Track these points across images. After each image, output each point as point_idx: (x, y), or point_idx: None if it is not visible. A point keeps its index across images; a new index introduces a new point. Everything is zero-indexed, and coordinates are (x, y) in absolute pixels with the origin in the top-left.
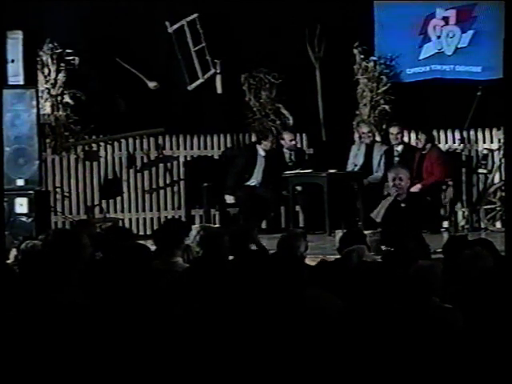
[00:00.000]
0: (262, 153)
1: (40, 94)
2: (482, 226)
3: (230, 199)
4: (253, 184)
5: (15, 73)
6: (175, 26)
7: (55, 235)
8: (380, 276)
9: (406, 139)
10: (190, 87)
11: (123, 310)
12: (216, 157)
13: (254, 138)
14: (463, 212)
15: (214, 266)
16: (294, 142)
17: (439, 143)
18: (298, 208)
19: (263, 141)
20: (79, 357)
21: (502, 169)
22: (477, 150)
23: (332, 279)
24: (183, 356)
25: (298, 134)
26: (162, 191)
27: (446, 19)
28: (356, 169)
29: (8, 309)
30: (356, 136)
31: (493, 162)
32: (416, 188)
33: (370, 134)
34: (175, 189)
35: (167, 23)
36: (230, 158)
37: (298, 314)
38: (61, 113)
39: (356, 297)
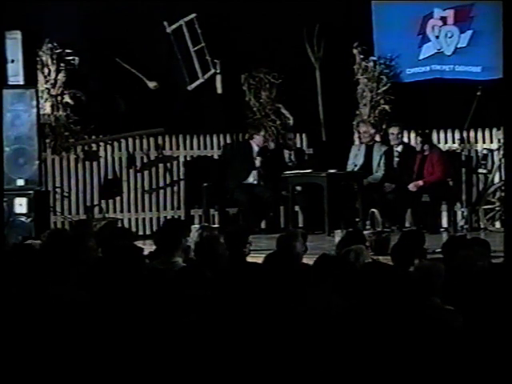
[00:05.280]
0: (255, 148)
1: (40, 94)
2: (482, 226)
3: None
4: (250, 182)
5: (15, 73)
6: (173, 26)
7: (52, 235)
8: (379, 276)
9: (405, 139)
10: (190, 87)
11: (117, 308)
12: (216, 157)
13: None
14: (462, 212)
15: (209, 267)
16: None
17: (439, 143)
18: (297, 208)
19: (255, 135)
20: (72, 352)
21: (502, 169)
22: (476, 150)
23: (332, 277)
24: (178, 356)
25: (298, 134)
26: (161, 191)
27: (443, 19)
28: (356, 169)
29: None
30: (356, 136)
31: (492, 162)
32: (415, 186)
33: (366, 135)
34: (175, 189)
35: (165, 23)
36: (229, 156)
37: (296, 312)
38: (61, 113)
39: (356, 296)
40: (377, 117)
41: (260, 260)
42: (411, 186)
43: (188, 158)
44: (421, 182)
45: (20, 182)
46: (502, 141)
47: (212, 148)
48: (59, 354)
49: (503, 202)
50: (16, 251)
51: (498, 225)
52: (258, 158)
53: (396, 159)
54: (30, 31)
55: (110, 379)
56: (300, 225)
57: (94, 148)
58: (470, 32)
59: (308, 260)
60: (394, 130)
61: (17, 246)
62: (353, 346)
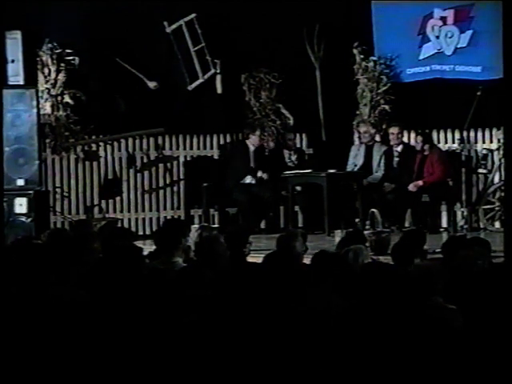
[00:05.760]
0: (251, 148)
1: (40, 94)
2: (481, 225)
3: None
4: (248, 181)
5: (15, 73)
6: (173, 26)
7: (52, 235)
8: (380, 276)
9: (405, 139)
10: (190, 87)
11: (117, 308)
12: (216, 157)
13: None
14: (462, 212)
15: (209, 267)
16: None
17: (439, 143)
18: (297, 208)
19: (251, 135)
20: (72, 352)
21: (502, 169)
22: (476, 150)
23: (332, 275)
24: (178, 356)
25: (298, 134)
26: (161, 191)
27: (443, 19)
28: (356, 169)
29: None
30: (356, 136)
31: (492, 162)
32: (415, 186)
33: (366, 135)
34: (175, 189)
35: (165, 23)
36: (228, 156)
37: (296, 312)
38: (61, 113)
39: (356, 296)
40: (377, 117)
41: (260, 260)
42: (411, 187)
43: (188, 158)
44: (420, 182)
45: (20, 182)
46: (501, 141)
47: (212, 148)
48: (59, 354)
49: (503, 202)
50: (17, 246)
51: (497, 225)
52: (259, 172)
53: (396, 159)
54: (30, 31)
55: (110, 379)
56: (300, 225)
57: (94, 148)
58: (469, 32)
59: (308, 260)
60: (393, 130)
61: (17, 242)
62: (353, 346)
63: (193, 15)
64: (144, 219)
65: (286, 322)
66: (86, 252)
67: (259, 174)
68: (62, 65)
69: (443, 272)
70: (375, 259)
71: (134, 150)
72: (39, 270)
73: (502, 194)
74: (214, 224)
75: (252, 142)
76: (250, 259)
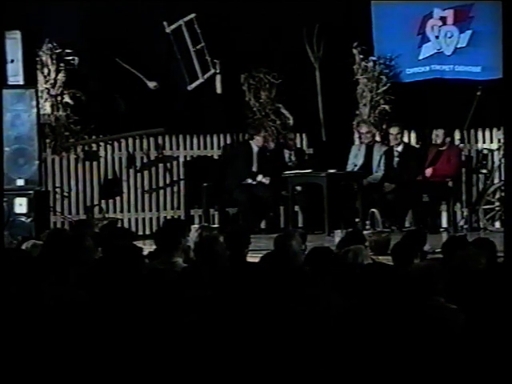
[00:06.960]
0: (255, 148)
1: (40, 94)
2: (481, 225)
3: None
4: (250, 182)
5: (15, 73)
6: (173, 26)
7: (52, 235)
8: (380, 276)
9: (405, 139)
10: (190, 87)
11: (116, 308)
12: (216, 157)
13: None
14: (462, 212)
15: (209, 267)
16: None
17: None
18: (297, 208)
19: (255, 136)
20: (72, 352)
21: (502, 169)
22: (477, 150)
23: (329, 274)
24: (178, 356)
25: (298, 134)
26: (161, 191)
27: (443, 19)
28: (356, 169)
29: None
30: (356, 136)
31: (492, 162)
32: (428, 173)
33: (368, 135)
34: (175, 189)
35: (165, 23)
36: (230, 156)
37: (295, 312)
38: (61, 113)
39: (357, 296)
40: (377, 117)
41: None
42: (428, 171)
43: (188, 158)
44: (430, 170)
45: (20, 182)
46: (502, 141)
47: (212, 148)
48: (58, 355)
49: (503, 201)
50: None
51: (497, 225)
52: (260, 176)
53: (396, 159)
54: (29, 31)
55: (109, 379)
56: (300, 225)
57: (94, 148)
58: (469, 32)
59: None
60: (393, 131)
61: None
62: (353, 346)
63: (192, 15)
64: (144, 219)
65: (285, 321)
66: (82, 251)
67: (259, 178)
68: (62, 65)
69: (443, 272)
70: (375, 259)
71: (134, 150)
72: (38, 270)
73: (502, 194)
74: (214, 224)
75: (256, 142)
76: (249, 259)
